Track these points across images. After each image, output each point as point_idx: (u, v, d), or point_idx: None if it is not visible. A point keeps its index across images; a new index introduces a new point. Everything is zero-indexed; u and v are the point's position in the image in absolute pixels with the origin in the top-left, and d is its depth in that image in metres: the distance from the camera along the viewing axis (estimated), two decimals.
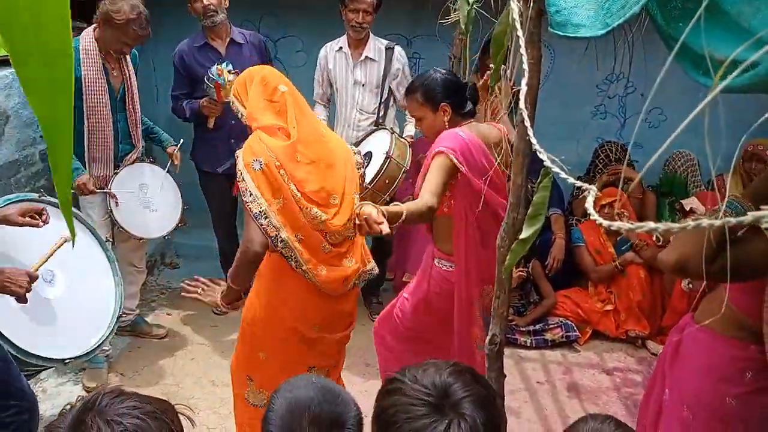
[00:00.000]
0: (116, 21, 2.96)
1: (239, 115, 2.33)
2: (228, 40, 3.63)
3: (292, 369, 2.06)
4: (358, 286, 2.43)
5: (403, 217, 2.11)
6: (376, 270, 2.45)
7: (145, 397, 1.19)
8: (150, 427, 1.12)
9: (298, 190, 2.13)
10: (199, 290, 2.31)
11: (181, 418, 1.24)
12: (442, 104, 2.46)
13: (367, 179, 3.21)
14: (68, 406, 1.16)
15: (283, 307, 2.29)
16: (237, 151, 2.18)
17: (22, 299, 2.16)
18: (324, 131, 2.33)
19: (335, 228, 2.20)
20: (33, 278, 2.20)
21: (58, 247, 2.41)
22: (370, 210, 1.93)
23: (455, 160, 2.34)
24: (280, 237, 2.11)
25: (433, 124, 2.53)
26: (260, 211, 2.08)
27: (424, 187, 2.33)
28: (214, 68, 3.26)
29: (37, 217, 2.38)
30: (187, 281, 2.36)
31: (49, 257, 2.36)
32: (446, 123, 2.48)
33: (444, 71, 2.58)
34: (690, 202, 3.69)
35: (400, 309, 2.76)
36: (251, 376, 2.40)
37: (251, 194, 2.08)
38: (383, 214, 1.97)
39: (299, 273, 2.20)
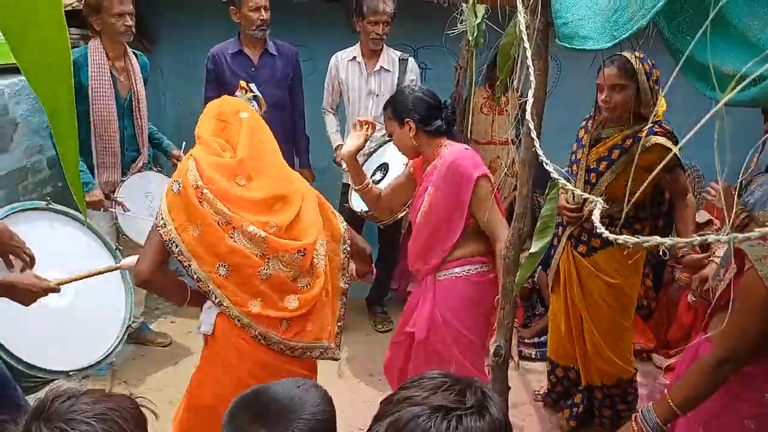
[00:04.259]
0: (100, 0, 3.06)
1: None
2: (261, 50, 3.68)
3: None
4: (312, 358, 2.12)
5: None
6: (337, 354, 2.17)
7: (99, 397, 1.15)
8: (96, 431, 1.09)
9: (230, 210, 1.90)
10: None
11: (146, 412, 1.22)
12: (406, 119, 2.48)
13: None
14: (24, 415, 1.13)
15: (237, 364, 2.00)
16: None
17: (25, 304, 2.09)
18: (282, 164, 2.13)
19: (279, 246, 1.93)
20: (50, 291, 2.12)
21: (93, 275, 2.35)
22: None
23: (492, 179, 2.44)
24: (192, 269, 1.91)
25: (400, 139, 2.55)
26: (170, 239, 1.89)
27: (496, 224, 2.41)
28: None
29: (13, 264, 2.23)
30: None
31: (77, 279, 2.31)
32: (412, 139, 2.49)
33: (419, 89, 2.59)
34: (704, 215, 3.66)
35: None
36: None
37: (162, 219, 1.92)
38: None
39: (236, 330, 1.95)
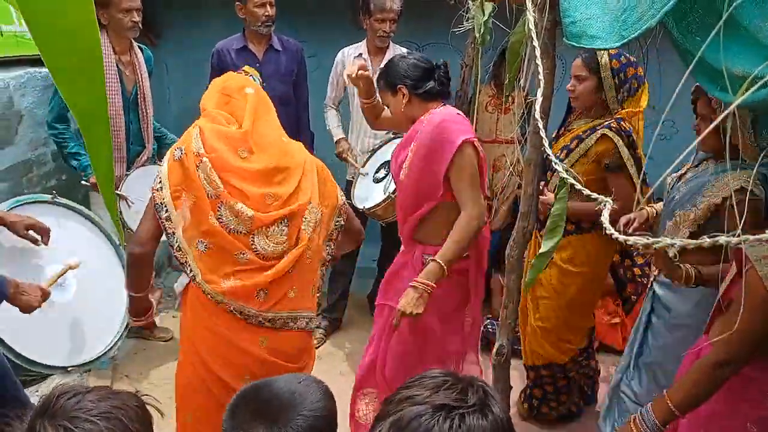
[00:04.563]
0: None
1: None
2: (267, 46, 3.69)
3: None
4: (297, 329, 2.08)
5: (445, 270, 2.25)
6: (313, 323, 2.15)
7: (105, 395, 1.16)
8: (101, 429, 1.09)
9: (223, 182, 1.91)
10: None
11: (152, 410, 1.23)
12: (398, 86, 2.40)
13: (390, 189, 3.20)
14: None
15: (203, 346, 2.01)
16: None
17: (27, 312, 2.12)
18: (285, 139, 2.15)
19: (264, 220, 1.93)
20: (45, 295, 2.15)
21: (70, 269, 2.36)
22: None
23: (479, 147, 2.33)
24: (176, 236, 1.92)
25: (396, 109, 2.47)
26: (161, 203, 1.92)
27: (467, 196, 2.30)
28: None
29: (39, 237, 2.33)
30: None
31: (60, 276, 2.33)
32: (405, 106, 2.41)
33: (410, 54, 2.51)
34: None
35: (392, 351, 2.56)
36: None
37: (160, 181, 1.94)
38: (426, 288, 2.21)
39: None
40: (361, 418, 2.61)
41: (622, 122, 2.69)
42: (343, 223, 2.21)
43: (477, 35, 2.28)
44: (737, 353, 1.70)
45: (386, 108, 2.73)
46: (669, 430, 1.89)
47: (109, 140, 0.77)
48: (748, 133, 1.96)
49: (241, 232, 1.93)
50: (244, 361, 2.00)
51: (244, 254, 1.94)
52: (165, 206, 1.92)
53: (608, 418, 2.59)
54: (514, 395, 2.57)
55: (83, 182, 3.18)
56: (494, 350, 2.17)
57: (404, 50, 3.79)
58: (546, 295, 2.92)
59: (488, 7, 2.30)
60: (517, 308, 2.17)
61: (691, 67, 1.05)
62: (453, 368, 2.55)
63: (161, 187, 1.93)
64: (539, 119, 1.37)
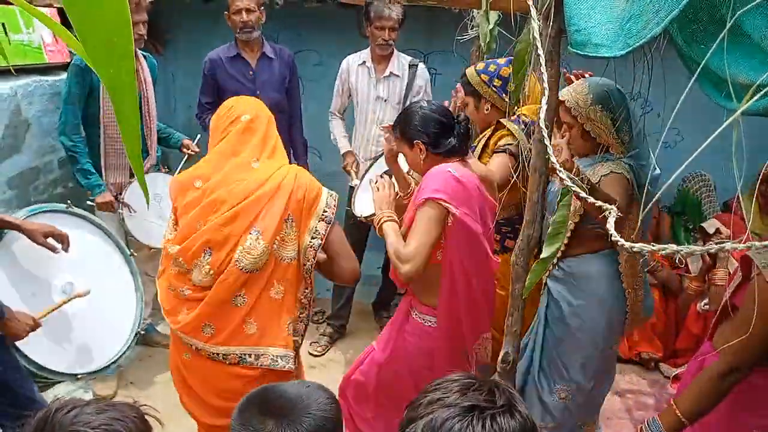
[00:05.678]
0: None
1: None
2: (259, 53, 3.71)
3: None
4: (261, 367, 2.01)
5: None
6: (286, 362, 2.03)
7: (103, 406, 1.16)
8: None
9: (174, 226, 2.06)
10: None
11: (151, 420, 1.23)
12: (415, 141, 2.25)
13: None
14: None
15: (182, 384, 2.12)
16: None
17: (13, 340, 2.16)
18: (256, 164, 2.02)
19: (189, 249, 1.95)
20: (36, 327, 2.18)
21: (67, 301, 2.40)
22: None
23: (448, 206, 2.09)
24: None
25: (413, 161, 2.32)
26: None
27: (411, 238, 2.14)
28: None
29: (58, 244, 2.36)
30: None
31: (56, 309, 2.36)
32: (421, 161, 2.26)
33: (428, 106, 2.32)
34: (713, 225, 3.64)
35: (365, 372, 2.49)
36: None
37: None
38: None
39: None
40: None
41: (522, 116, 2.77)
42: (310, 267, 2.06)
43: (482, 43, 2.29)
44: (745, 360, 1.70)
45: None
46: None
47: (137, 110, 0.79)
48: (610, 133, 2.21)
49: (182, 269, 2.00)
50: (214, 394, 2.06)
51: (183, 291, 2.01)
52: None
53: None
54: None
55: (89, 202, 3.18)
56: (500, 358, 2.17)
57: (409, 58, 3.80)
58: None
59: (493, 15, 2.31)
60: (522, 316, 2.16)
61: (695, 75, 1.05)
62: None
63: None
64: (544, 127, 1.37)
